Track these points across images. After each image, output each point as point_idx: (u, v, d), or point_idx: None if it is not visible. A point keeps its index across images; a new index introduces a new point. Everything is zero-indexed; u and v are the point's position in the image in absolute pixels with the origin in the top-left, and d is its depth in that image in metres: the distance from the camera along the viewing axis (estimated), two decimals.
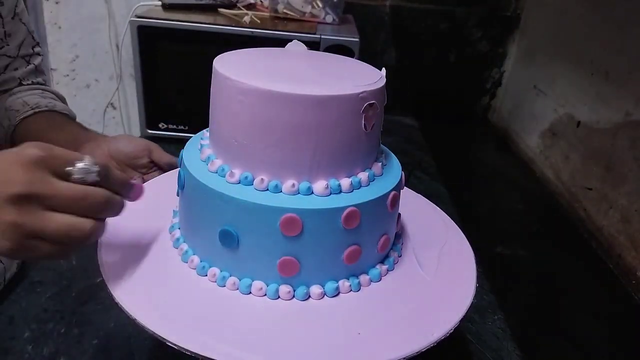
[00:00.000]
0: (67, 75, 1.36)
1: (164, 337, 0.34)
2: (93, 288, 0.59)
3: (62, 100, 0.69)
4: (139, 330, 0.35)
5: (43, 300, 0.57)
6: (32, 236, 0.32)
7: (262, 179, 0.38)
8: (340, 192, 0.39)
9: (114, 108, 1.39)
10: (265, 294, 0.39)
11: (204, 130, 0.46)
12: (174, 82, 0.95)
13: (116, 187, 0.37)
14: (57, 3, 1.27)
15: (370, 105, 0.38)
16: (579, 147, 0.93)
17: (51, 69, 1.35)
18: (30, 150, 0.32)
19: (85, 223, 0.34)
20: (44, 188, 0.32)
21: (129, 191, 0.38)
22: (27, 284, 0.59)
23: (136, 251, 0.43)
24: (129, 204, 0.38)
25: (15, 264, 0.62)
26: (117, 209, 0.37)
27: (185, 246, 0.43)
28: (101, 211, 0.35)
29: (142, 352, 0.51)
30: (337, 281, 0.40)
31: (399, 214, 0.47)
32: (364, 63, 0.46)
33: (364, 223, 0.39)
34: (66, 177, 0.33)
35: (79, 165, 0.34)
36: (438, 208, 0.55)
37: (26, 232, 0.32)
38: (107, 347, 0.51)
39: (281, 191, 0.38)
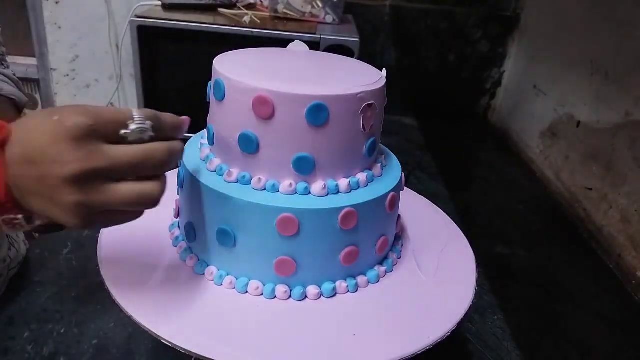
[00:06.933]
0: (67, 75, 1.36)
1: (158, 334, 0.34)
2: (93, 288, 0.58)
3: (16, 83, 0.65)
4: (139, 330, 0.35)
5: (43, 300, 0.57)
6: (100, 211, 0.30)
7: (259, 178, 0.38)
8: (338, 192, 0.39)
9: None
10: (262, 294, 0.39)
11: (204, 130, 0.46)
12: (174, 82, 0.95)
13: (170, 133, 0.34)
14: (57, 3, 1.27)
15: (369, 105, 0.38)
16: (579, 147, 0.93)
17: (51, 69, 1.35)
18: (75, 119, 0.28)
19: (151, 187, 0.31)
20: (101, 161, 0.29)
21: (182, 131, 0.35)
22: (27, 284, 0.59)
23: (136, 250, 0.43)
24: None
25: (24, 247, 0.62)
26: (178, 157, 0.34)
27: (184, 244, 0.43)
28: (165, 165, 0.32)
29: (142, 352, 0.51)
30: (335, 282, 0.40)
31: (399, 215, 0.47)
32: (365, 63, 0.46)
33: (362, 224, 0.39)
34: (121, 140, 0.30)
35: (133, 127, 0.31)
36: (440, 209, 0.55)
37: (93, 208, 0.29)
38: (107, 347, 0.51)
39: (278, 191, 0.38)
